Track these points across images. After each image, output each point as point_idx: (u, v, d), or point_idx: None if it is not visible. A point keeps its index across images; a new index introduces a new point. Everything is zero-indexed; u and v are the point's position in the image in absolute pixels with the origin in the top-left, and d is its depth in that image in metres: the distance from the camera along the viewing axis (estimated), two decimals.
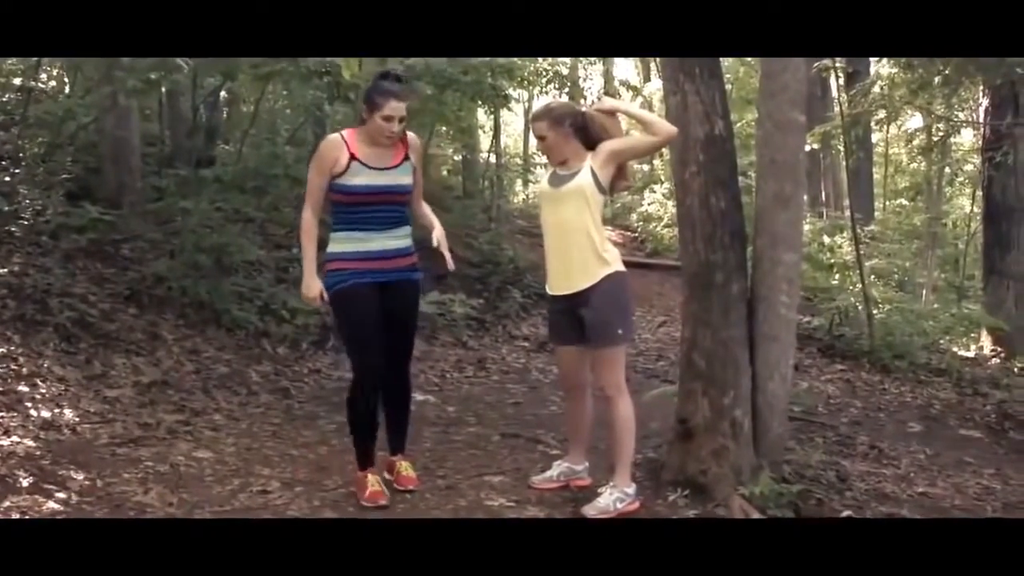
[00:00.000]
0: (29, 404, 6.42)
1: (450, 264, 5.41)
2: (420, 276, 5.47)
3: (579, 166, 5.34)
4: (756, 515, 5.34)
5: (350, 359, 5.38)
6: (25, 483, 5.16)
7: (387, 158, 5.20)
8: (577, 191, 5.28)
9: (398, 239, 5.31)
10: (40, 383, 6.78)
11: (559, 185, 5.37)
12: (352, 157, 5.09)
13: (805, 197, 7.94)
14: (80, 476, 5.43)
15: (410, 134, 5.39)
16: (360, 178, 5.10)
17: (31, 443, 5.84)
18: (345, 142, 5.14)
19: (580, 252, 5.30)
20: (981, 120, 14.06)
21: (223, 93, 13.16)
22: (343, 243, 5.22)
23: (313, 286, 5.15)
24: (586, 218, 5.29)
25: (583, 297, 5.30)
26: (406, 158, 5.29)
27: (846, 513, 5.73)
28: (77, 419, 6.42)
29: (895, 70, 11.90)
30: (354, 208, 5.16)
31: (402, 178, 5.26)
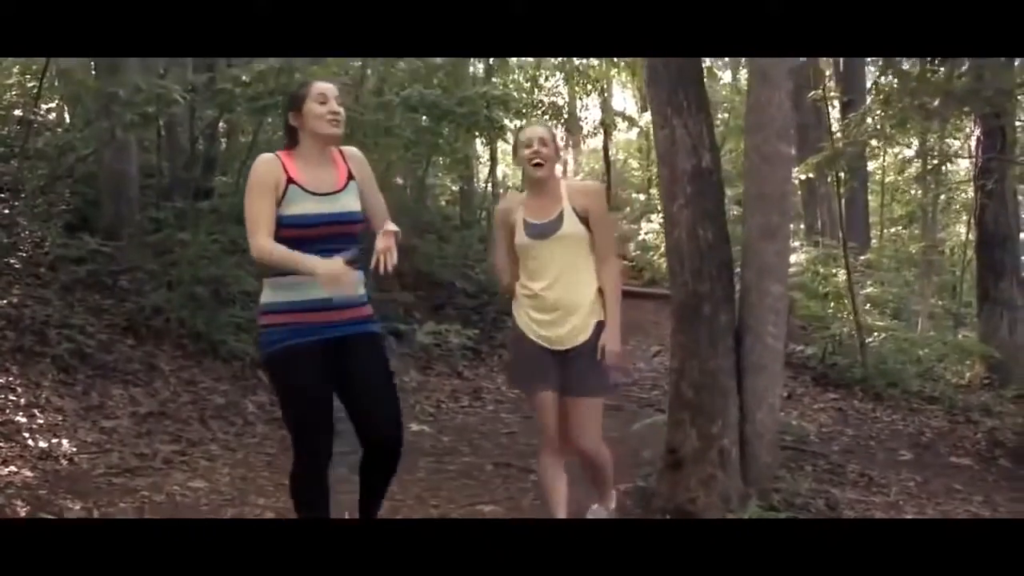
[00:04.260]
0: (27, 434, 6.51)
1: (383, 266, 4.07)
2: (379, 328, 4.42)
3: (557, 209, 4.78)
4: None
5: (291, 440, 4.24)
6: (22, 512, 5.24)
7: (329, 180, 4.19)
8: (570, 238, 4.77)
9: (352, 285, 4.14)
10: (38, 413, 6.87)
11: (547, 234, 4.76)
12: (289, 180, 4.09)
13: (793, 227, 8.03)
14: (77, 506, 5.51)
15: (350, 148, 4.44)
16: (298, 206, 4.07)
17: (29, 473, 5.93)
18: (281, 161, 4.13)
19: (580, 305, 4.79)
20: (973, 150, 14.16)
21: (220, 124, 13.28)
22: (278, 291, 4.14)
23: (322, 262, 3.96)
24: (587, 264, 4.84)
25: (575, 347, 4.83)
26: (350, 178, 4.28)
27: None
28: (74, 449, 6.51)
29: (884, 94, 11.98)
30: (291, 246, 4.03)
31: (350, 203, 4.22)
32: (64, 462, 6.29)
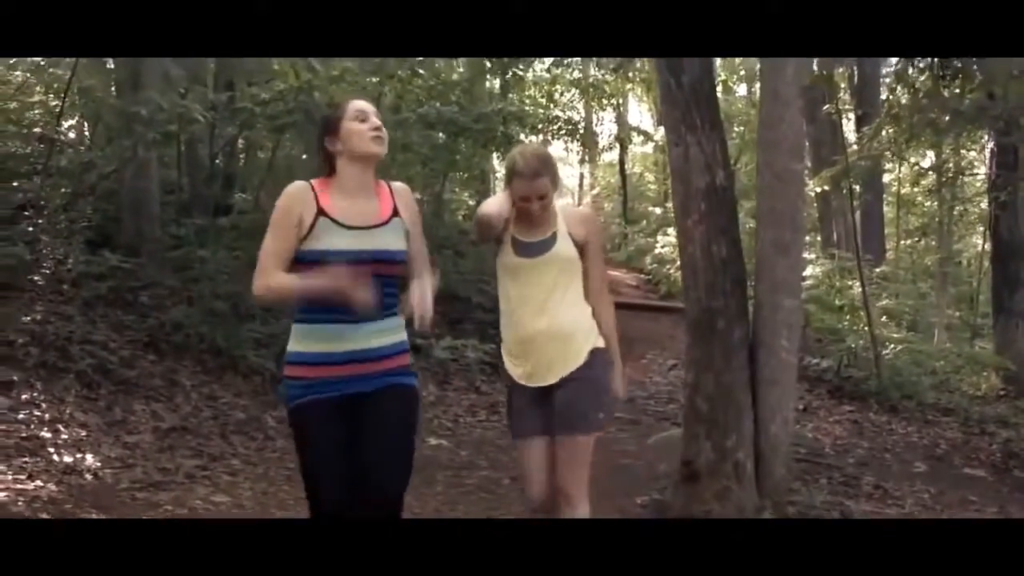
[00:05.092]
0: (52, 449, 6.60)
1: (418, 321, 3.68)
2: (416, 380, 3.88)
3: (550, 229, 4.32)
4: None
5: (307, 495, 3.78)
6: None
7: (369, 214, 3.71)
8: (567, 261, 4.31)
9: (385, 333, 3.74)
10: (62, 429, 6.96)
11: (536, 254, 4.29)
12: (320, 212, 3.62)
13: (808, 240, 8.09)
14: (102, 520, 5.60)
15: (400, 184, 3.99)
16: (326, 240, 3.60)
17: (54, 487, 6.01)
18: (313, 191, 3.68)
19: (570, 334, 4.27)
20: (988, 162, 14.23)
21: (239, 141, 13.41)
22: (305, 341, 3.69)
23: (328, 275, 3.51)
24: (577, 290, 4.35)
25: (562, 380, 4.28)
26: (395, 214, 3.79)
27: None
28: (98, 464, 6.60)
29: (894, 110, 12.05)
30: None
31: (392, 241, 3.72)
32: (88, 476, 6.38)
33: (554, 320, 4.23)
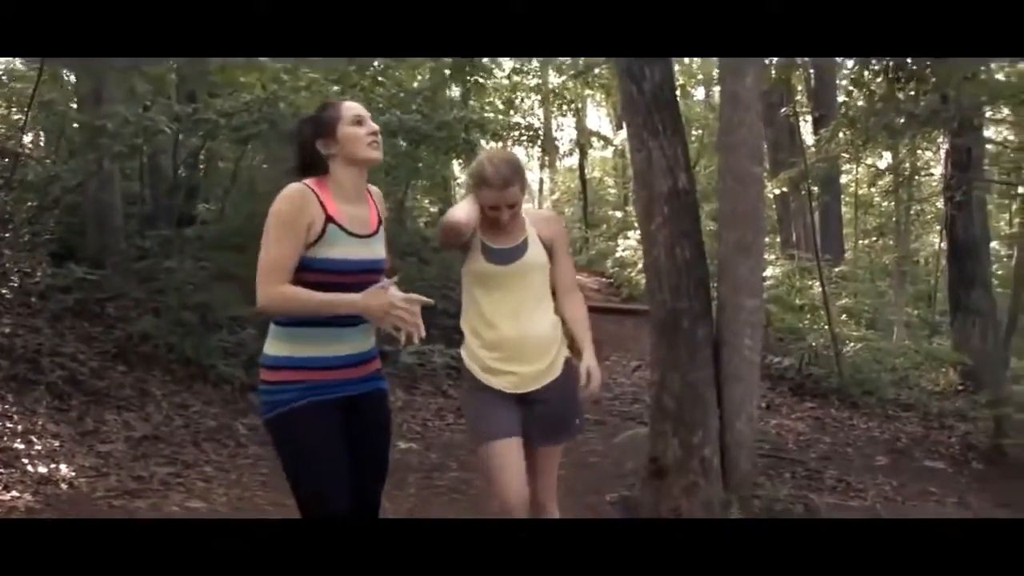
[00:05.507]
0: (26, 460, 6.64)
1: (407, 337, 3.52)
2: (386, 384, 3.90)
3: (521, 235, 4.19)
4: None
5: (301, 509, 3.61)
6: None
7: (366, 221, 3.66)
8: (539, 267, 4.20)
9: (368, 337, 3.73)
10: (35, 440, 7.01)
11: (508, 261, 4.13)
12: (328, 219, 3.50)
13: (768, 241, 8.24)
14: None
15: (373, 187, 3.87)
16: (340, 249, 3.52)
17: (30, 497, 6.06)
18: (316, 195, 3.52)
19: (547, 342, 4.17)
20: (943, 162, 14.47)
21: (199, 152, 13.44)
22: (299, 344, 3.57)
23: (364, 295, 3.45)
24: (548, 296, 4.25)
25: (541, 389, 4.16)
26: (380, 222, 3.77)
27: None
28: (73, 473, 6.65)
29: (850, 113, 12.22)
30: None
31: (381, 250, 3.72)
32: (64, 486, 6.42)
33: (536, 328, 4.11)
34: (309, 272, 3.47)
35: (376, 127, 3.65)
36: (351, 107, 3.66)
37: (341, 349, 3.58)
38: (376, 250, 3.66)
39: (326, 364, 3.55)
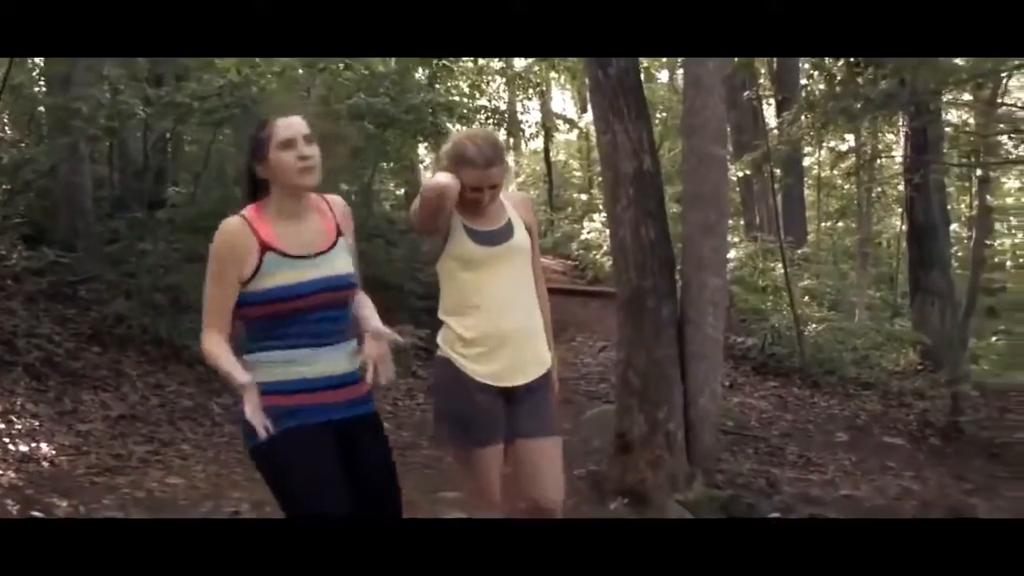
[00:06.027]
0: (7, 439, 6.77)
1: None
2: (374, 407, 3.61)
3: (504, 216, 3.92)
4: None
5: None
6: (14, 511, 5.54)
7: (314, 238, 3.41)
8: (524, 250, 3.93)
9: (348, 359, 3.47)
10: (15, 419, 7.14)
11: (496, 242, 3.85)
12: (263, 247, 3.29)
13: (731, 223, 8.43)
14: (64, 503, 5.81)
15: (336, 198, 3.63)
16: (278, 276, 3.30)
17: (13, 475, 6.21)
18: (250, 225, 3.31)
19: (537, 331, 3.92)
20: (903, 145, 14.70)
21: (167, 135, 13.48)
22: (272, 367, 3.34)
23: (242, 375, 3.28)
24: (531, 282, 3.97)
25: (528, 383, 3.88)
26: (339, 234, 3.49)
27: (774, 514, 6.21)
28: (53, 452, 6.79)
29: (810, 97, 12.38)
30: (278, 322, 3.34)
31: (340, 264, 3.44)
32: (46, 464, 6.57)
33: (528, 317, 3.87)
34: (255, 306, 3.33)
35: (308, 152, 3.31)
36: (281, 129, 3.34)
37: (316, 369, 3.35)
38: (334, 267, 3.40)
39: (299, 387, 3.33)
